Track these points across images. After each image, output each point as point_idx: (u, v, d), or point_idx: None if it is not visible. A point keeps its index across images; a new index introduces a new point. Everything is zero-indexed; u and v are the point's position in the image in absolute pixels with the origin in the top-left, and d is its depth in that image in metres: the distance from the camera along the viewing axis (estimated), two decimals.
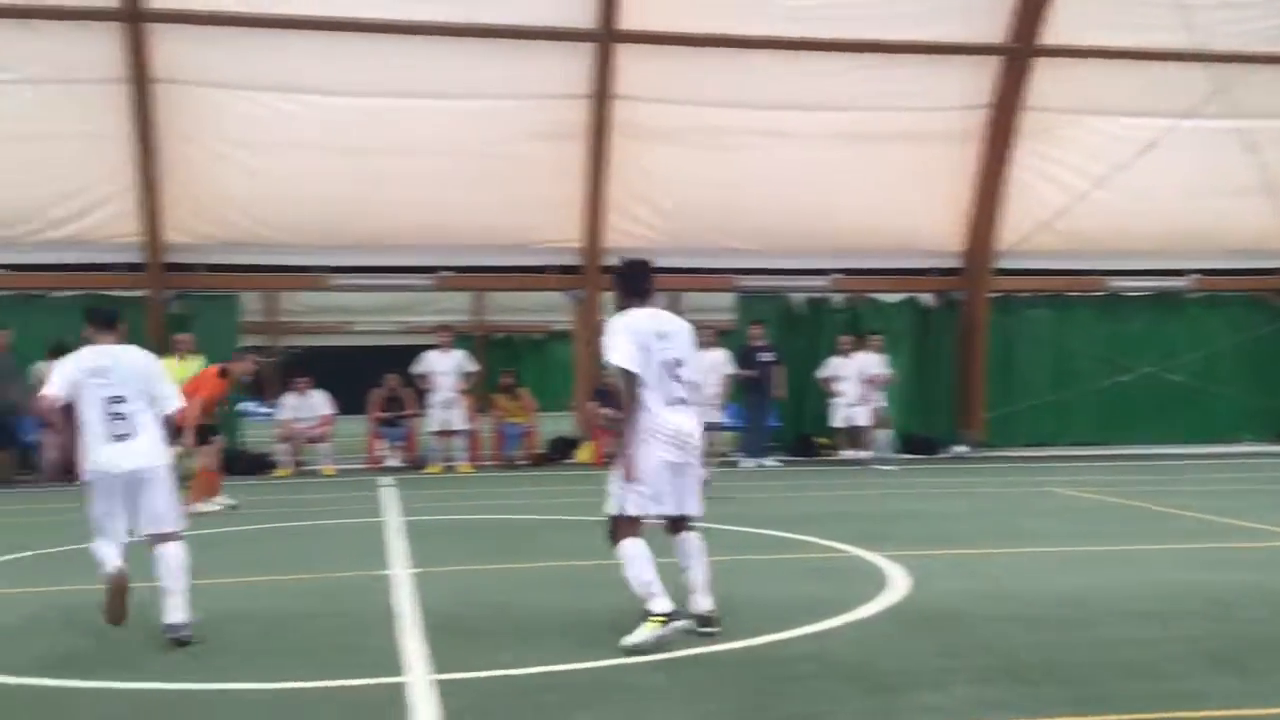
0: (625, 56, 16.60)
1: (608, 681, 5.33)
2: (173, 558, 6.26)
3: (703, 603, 6.18)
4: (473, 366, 17.31)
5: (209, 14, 15.56)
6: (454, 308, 27.92)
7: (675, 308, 26.52)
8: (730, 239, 18.37)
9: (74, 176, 16.32)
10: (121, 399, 6.30)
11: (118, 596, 6.15)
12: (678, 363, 6.14)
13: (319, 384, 17.40)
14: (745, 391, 17.26)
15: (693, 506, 6.23)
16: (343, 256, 17.76)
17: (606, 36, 16.33)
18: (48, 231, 16.42)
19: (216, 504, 12.22)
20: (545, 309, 27.49)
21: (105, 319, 6.66)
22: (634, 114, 17.05)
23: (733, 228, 18.26)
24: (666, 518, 6.19)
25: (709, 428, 17.34)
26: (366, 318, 28.83)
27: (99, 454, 6.26)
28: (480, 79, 16.60)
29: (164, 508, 6.35)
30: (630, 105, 16.97)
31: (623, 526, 6.04)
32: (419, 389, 17.14)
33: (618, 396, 6.22)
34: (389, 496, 13.40)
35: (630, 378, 5.99)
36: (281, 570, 8.62)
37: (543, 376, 30.00)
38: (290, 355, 33.10)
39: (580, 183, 17.49)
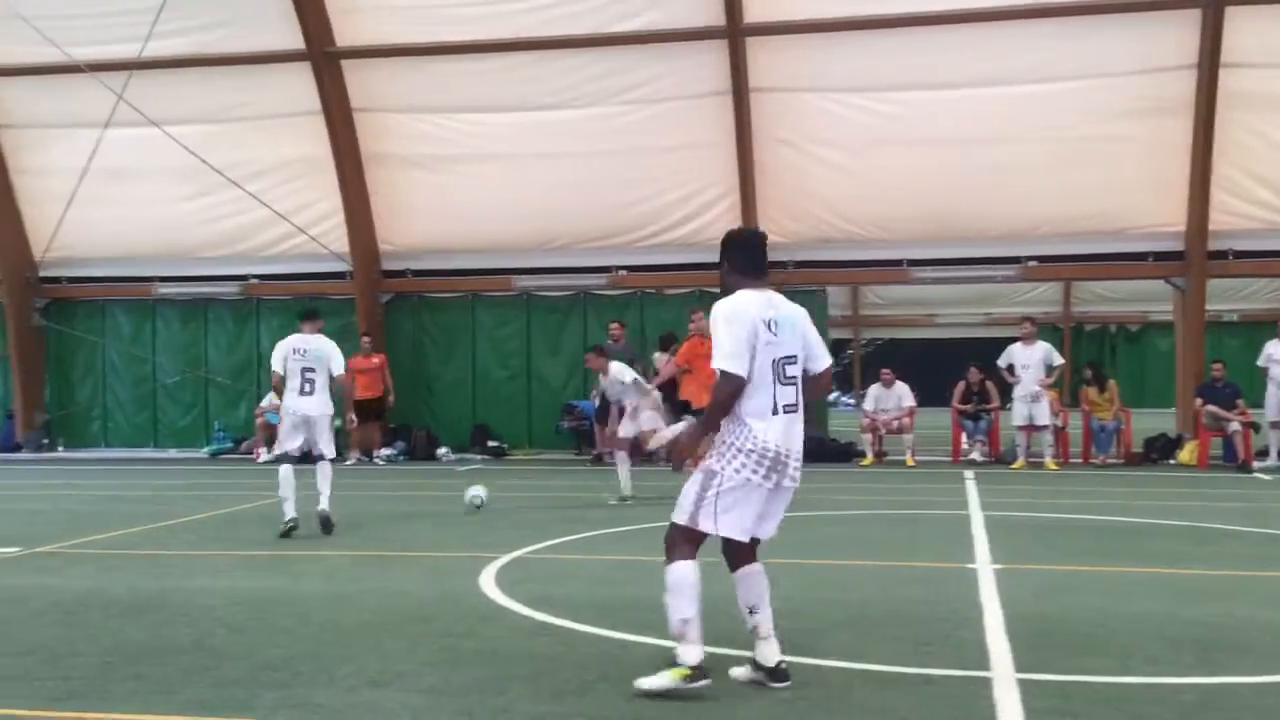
0: (1235, 19, 15.13)
1: (1216, 702, 4.93)
2: (325, 469, 10.05)
3: (773, 651, 5.17)
4: (1058, 359, 16.66)
5: (801, 23, 16.37)
6: (1040, 298, 27.06)
7: None
8: None
9: (686, 184, 17.92)
10: (312, 370, 10.02)
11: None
12: (788, 360, 5.10)
13: (902, 376, 17.66)
14: None
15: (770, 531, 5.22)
16: (925, 249, 17.87)
17: (1216, 1, 14.99)
18: (663, 235, 18.19)
19: None
20: (1141, 298, 25.83)
21: (306, 314, 10.39)
22: (1245, 82, 15.47)
23: None
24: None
25: None
26: (949, 310, 28.75)
27: (293, 402, 10.00)
28: (1069, 59, 15.99)
29: (324, 440, 10.12)
30: (1240, 73, 15.42)
31: (682, 541, 5.08)
32: (1003, 382, 16.81)
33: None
34: (971, 490, 13.29)
35: (731, 381, 4.94)
36: (869, 555, 8.89)
37: (1139, 370, 28.18)
38: (874, 348, 33.84)
39: (1183, 161, 16.17)
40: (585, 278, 18.73)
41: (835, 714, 4.81)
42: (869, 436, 17.46)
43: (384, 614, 6.74)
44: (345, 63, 17.70)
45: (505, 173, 17.95)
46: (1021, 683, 5.15)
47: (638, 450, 12.39)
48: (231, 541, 9.79)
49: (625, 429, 12.38)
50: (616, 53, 17.09)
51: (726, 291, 5.21)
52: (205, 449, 19.25)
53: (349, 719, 4.72)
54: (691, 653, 4.98)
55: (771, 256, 18.28)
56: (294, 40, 17.26)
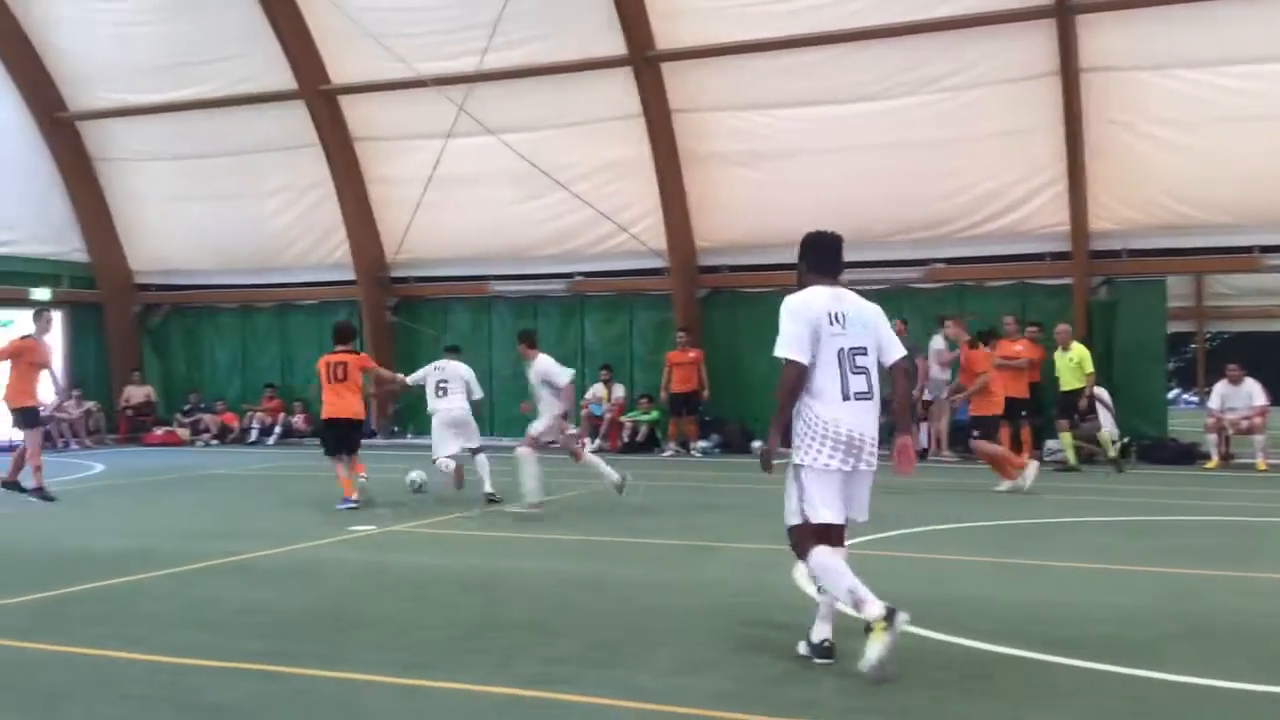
0: None
1: None
2: (483, 460, 12.22)
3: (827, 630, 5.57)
4: None
5: None
6: None
7: None
8: None
9: (1008, 171, 17.22)
10: (445, 380, 12.56)
11: (459, 476, 12.42)
12: (857, 351, 5.50)
13: (1252, 372, 16.27)
14: None
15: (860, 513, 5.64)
16: (1277, 234, 16.39)
17: None
18: (984, 225, 17.57)
19: (1007, 485, 12.25)
20: None
21: (449, 349, 13.25)
22: None
23: None
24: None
25: None
26: None
27: (435, 404, 12.38)
28: None
29: (473, 433, 12.48)
30: None
31: (804, 539, 5.46)
32: None
33: None
34: None
35: (791, 368, 5.43)
36: (1212, 564, 8.27)
37: None
38: (1221, 341, 31.39)
39: None
40: (901, 271, 18.34)
41: None
42: (1214, 437, 16.20)
43: (700, 601, 6.93)
44: (664, 65, 18.19)
45: (818, 166, 17.86)
46: None
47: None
48: (560, 526, 10.31)
49: (538, 426, 11.50)
50: (934, 39, 16.65)
51: (801, 288, 5.77)
52: None
53: (666, 701, 4.88)
54: (873, 608, 5.16)
55: (1104, 245, 17.40)
56: (617, 47, 17.90)
